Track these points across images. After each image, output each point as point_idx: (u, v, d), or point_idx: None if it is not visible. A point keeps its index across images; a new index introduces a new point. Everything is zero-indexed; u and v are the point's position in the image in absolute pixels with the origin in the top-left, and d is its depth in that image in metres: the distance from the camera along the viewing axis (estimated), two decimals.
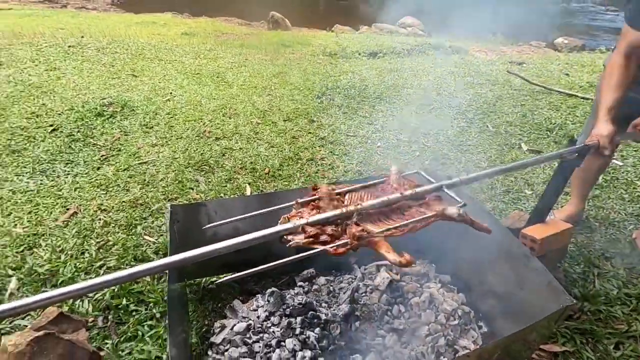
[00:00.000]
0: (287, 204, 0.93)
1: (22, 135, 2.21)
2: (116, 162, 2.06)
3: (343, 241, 0.86)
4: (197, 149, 2.22)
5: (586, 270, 1.54)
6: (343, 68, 3.78)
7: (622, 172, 2.12)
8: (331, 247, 0.84)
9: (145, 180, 1.94)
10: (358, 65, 4.02)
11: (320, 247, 0.83)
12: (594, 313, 1.35)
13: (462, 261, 1.40)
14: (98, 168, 2.02)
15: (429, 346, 1.19)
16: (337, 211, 0.90)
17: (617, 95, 1.26)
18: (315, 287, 1.41)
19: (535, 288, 1.08)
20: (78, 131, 2.29)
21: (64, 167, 2.00)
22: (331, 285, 1.42)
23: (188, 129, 2.43)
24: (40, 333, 1.05)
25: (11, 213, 1.68)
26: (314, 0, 15.75)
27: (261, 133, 2.44)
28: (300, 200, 0.95)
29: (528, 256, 1.14)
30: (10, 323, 1.25)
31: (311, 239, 0.84)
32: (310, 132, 2.47)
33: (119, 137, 2.29)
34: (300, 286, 1.40)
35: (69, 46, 3.82)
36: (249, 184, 1.95)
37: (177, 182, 1.94)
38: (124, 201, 1.79)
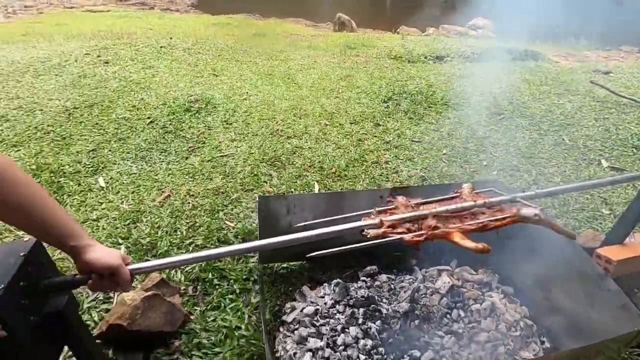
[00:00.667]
0: (367, 211, 1.03)
1: (126, 125, 2.57)
2: (201, 154, 2.32)
3: (417, 232, 0.93)
4: (270, 146, 2.41)
5: None
6: (410, 73, 3.80)
7: None
8: (408, 236, 0.91)
9: (225, 171, 2.17)
10: (425, 70, 4.00)
11: (398, 235, 0.91)
12: None
13: (528, 274, 1.40)
14: (186, 158, 2.29)
15: (488, 352, 1.22)
16: (411, 213, 0.98)
17: None
18: (377, 283, 1.50)
19: (607, 309, 1.07)
20: (170, 124, 2.61)
21: (159, 155, 2.30)
22: (392, 283, 1.50)
23: (262, 127, 2.64)
24: (150, 293, 1.27)
25: (119, 191, 1.99)
26: (380, 1, 15.67)
27: (329, 134, 2.57)
28: (378, 209, 1.04)
29: (602, 276, 1.13)
30: None
31: (389, 229, 0.92)
32: (375, 136, 2.56)
33: (204, 132, 2.56)
34: (363, 281, 1.50)
35: (161, 47, 4.28)
36: (317, 181, 2.09)
37: (252, 175, 2.14)
38: (208, 189, 2.02)
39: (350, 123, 2.73)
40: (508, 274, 1.47)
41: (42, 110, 2.68)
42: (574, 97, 3.12)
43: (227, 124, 2.68)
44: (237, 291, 1.46)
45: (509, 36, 9.53)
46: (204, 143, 2.44)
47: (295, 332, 1.29)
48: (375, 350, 1.24)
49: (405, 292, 1.45)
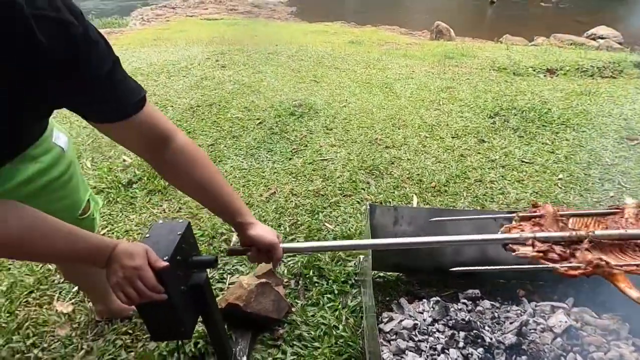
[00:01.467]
0: (506, 214, 0.99)
1: (239, 124, 2.85)
2: (303, 156, 2.46)
3: (577, 264, 0.84)
4: (368, 154, 2.45)
5: None
6: (519, 87, 3.52)
7: None
8: (562, 267, 0.83)
9: (325, 174, 2.27)
10: (537, 84, 3.67)
11: (551, 265, 0.84)
12: None
13: None
14: (290, 159, 2.45)
15: None
16: (567, 233, 0.89)
17: None
18: (479, 308, 1.43)
19: None
20: (276, 126, 2.81)
21: (266, 154, 2.50)
22: (496, 312, 1.42)
23: (361, 135, 2.70)
24: (263, 280, 1.40)
25: (232, 184, 2.21)
26: (481, 8, 14.78)
27: (428, 147, 2.52)
28: (521, 214, 0.99)
29: None
30: (232, 267, 1.68)
31: (540, 254, 0.85)
32: (479, 153, 2.43)
33: (306, 135, 2.71)
34: (464, 303, 1.45)
35: (268, 53, 4.64)
36: (416, 194, 2.07)
37: (351, 181, 2.21)
38: (309, 190, 2.14)
39: (452, 137, 2.64)
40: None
41: (172, 106, 3.12)
42: None
43: (327, 129, 2.79)
44: (336, 292, 1.52)
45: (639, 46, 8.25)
46: (306, 146, 2.58)
47: (392, 342, 1.30)
48: None
49: (511, 323, 1.36)
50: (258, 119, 2.92)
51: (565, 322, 1.30)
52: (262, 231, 0.89)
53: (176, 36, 7.49)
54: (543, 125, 2.71)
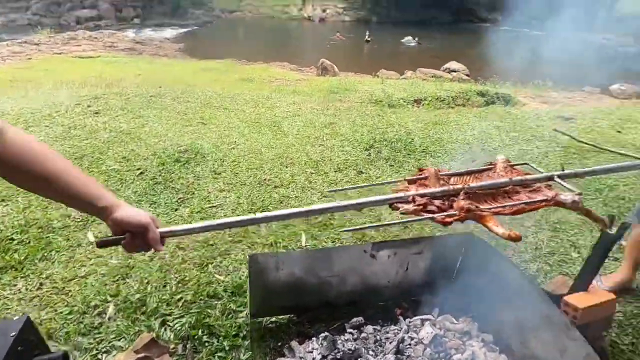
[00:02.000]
0: (394, 180, 1.05)
1: (116, 177, 2.63)
2: (191, 205, 2.39)
3: (451, 212, 0.92)
4: (258, 196, 2.50)
5: (635, 341, 1.54)
6: (390, 120, 4.02)
7: None
8: (439, 216, 0.91)
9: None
10: (404, 116, 4.24)
11: (429, 215, 0.91)
12: None
13: (505, 322, 1.48)
14: (176, 209, 2.35)
15: None
16: (445, 187, 0.97)
17: None
18: (363, 334, 1.55)
19: (574, 358, 1.15)
20: (160, 175, 2.68)
21: (149, 207, 2.35)
22: (378, 334, 1.55)
23: (250, 177, 2.74)
24: (141, 355, 1.30)
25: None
26: (359, 46, 16.59)
27: (314, 182, 2.69)
28: (408, 178, 1.05)
29: (568, 325, 1.22)
30: (109, 343, 1.51)
31: (420, 207, 0.92)
32: (358, 183, 2.69)
33: (193, 182, 2.64)
34: (350, 333, 1.55)
35: (151, 96, 4.43)
36: (304, 231, 2.17)
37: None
38: (197, 241, 2.07)
39: (335, 171, 2.86)
40: (486, 321, 1.54)
41: None
42: (540, 142, 3.37)
43: (215, 173, 2.77)
44: (227, 348, 1.48)
45: (482, 78, 10.20)
46: (193, 194, 2.51)
47: None
48: None
49: (390, 343, 1.50)
50: (139, 169, 2.75)
51: (432, 332, 1.49)
52: (132, 212, 0.83)
53: (39, 77, 6.65)
54: (408, 154, 3.14)
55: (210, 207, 2.37)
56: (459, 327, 1.54)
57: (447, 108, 5.73)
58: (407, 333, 1.53)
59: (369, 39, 16.73)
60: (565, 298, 1.42)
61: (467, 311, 1.61)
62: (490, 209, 0.95)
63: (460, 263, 1.62)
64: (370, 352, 1.46)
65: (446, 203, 0.97)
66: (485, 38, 17.26)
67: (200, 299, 1.70)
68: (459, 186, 0.99)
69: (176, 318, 1.61)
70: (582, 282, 1.47)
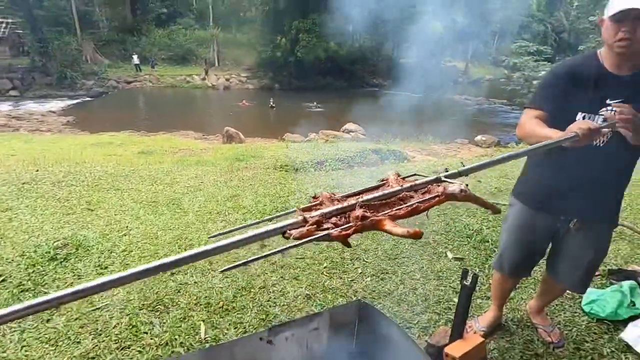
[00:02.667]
0: (288, 211, 0.95)
1: None
2: (67, 312, 2.08)
3: (344, 226, 0.86)
4: (152, 288, 2.31)
5: None
6: (291, 187, 4.20)
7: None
8: (335, 231, 0.83)
9: (97, 329, 1.97)
10: (305, 182, 4.48)
11: (324, 232, 0.83)
12: None
13: None
14: (48, 320, 2.02)
15: None
16: (339, 205, 0.91)
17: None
18: None
19: None
20: (29, 279, 2.31)
21: (11, 323, 1.98)
22: None
23: None
24: None
25: None
26: (264, 112, 17.40)
27: (215, 264, 2.60)
28: (302, 207, 0.92)
29: None
30: None
31: (314, 227, 0.83)
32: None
33: (72, 283, 2.33)
34: None
35: (23, 183, 3.93)
36: (203, 321, 2.04)
37: (130, 327, 1.99)
38: (74, 356, 1.79)
39: (237, 248, 2.82)
40: None
41: None
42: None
43: (101, 268, 2.50)
44: None
45: (376, 137, 11.42)
46: None
47: None
48: None
49: None
50: (0, 275, 2.34)
51: None
52: None
53: None
54: None
55: (92, 310, 2.10)
56: None
57: (346, 168, 6.22)
58: None
59: (273, 104, 17.71)
60: (446, 349, 1.58)
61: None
62: (385, 213, 0.91)
63: (356, 333, 1.69)
64: None
65: (342, 220, 0.89)
66: (375, 101, 19.67)
67: None
68: (353, 201, 0.92)
69: None
70: (456, 331, 1.66)
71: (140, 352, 1.84)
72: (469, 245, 2.89)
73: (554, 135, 1.31)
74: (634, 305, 2.10)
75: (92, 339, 1.90)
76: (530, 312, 2.12)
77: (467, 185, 0.98)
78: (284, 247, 0.81)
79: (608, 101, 1.42)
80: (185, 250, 2.69)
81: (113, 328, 1.98)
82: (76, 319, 2.04)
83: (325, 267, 2.59)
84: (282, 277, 2.46)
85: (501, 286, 1.99)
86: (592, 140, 1.29)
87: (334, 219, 0.87)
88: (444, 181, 1.01)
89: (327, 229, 0.85)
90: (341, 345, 1.66)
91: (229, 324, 2.03)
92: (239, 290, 2.32)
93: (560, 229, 1.69)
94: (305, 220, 0.84)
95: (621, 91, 1.40)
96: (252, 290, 2.32)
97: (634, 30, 1.28)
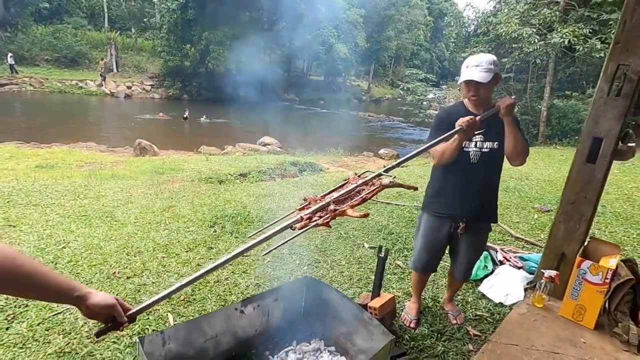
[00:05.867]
0: (290, 212, 1.51)
1: None
2: (27, 318, 2.17)
3: (325, 217, 1.40)
4: (110, 290, 2.49)
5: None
6: (225, 197, 4.53)
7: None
8: (320, 220, 1.37)
9: (65, 329, 2.12)
10: (236, 192, 4.84)
11: (314, 223, 1.36)
12: (417, 347, 2.22)
13: (340, 333, 2.13)
14: (7, 328, 2.09)
15: None
16: (319, 204, 1.45)
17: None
18: None
19: (377, 337, 1.88)
20: None
21: None
22: None
23: (96, 273, 2.67)
24: None
25: None
26: (176, 124, 16.76)
27: (168, 266, 2.86)
28: (299, 207, 1.49)
29: (371, 319, 1.96)
30: None
31: (308, 221, 1.37)
32: (211, 258, 3.02)
33: None
34: None
35: None
36: (169, 312, 2.34)
37: (99, 324, 2.18)
38: (49, 353, 1.94)
39: (186, 251, 3.11)
40: (329, 337, 2.16)
41: None
42: None
43: None
44: None
45: (292, 149, 12.10)
46: (27, 306, 2.27)
47: None
48: None
49: None
50: None
51: (294, 357, 1.99)
52: (100, 297, 1.02)
53: None
54: (248, 225, 3.71)
55: (54, 314, 2.22)
56: (312, 347, 2.09)
57: (269, 180, 6.69)
58: None
59: (186, 116, 17.17)
60: (369, 304, 2.21)
61: (317, 334, 2.19)
62: (347, 204, 1.48)
63: (305, 299, 2.22)
64: None
65: (324, 212, 1.44)
66: (288, 115, 20.50)
67: None
68: (327, 200, 1.48)
69: None
70: (375, 291, 2.31)
71: (115, 342, 2.07)
72: (380, 237, 3.66)
73: (451, 144, 1.94)
74: (487, 267, 3.05)
75: (62, 338, 2.05)
76: (444, 302, 2.63)
77: (394, 177, 1.66)
78: (299, 232, 1.36)
79: (476, 134, 2.05)
80: (135, 256, 2.90)
81: (81, 327, 2.15)
82: (39, 324, 2.14)
83: (268, 262, 3.06)
84: (232, 272, 2.86)
85: (418, 282, 2.48)
86: (474, 130, 1.90)
87: (318, 214, 1.44)
88: (383, 174, 1.56)
89: (315, 220, 1.42)
90: (294, 309, 2.17)
91: (194, 312, 2.37)
92: (196, 286, 2.64)
93: (453, 232, 2.20)
94: (301, 218, 1.43)
95: (481, 123, 1.97)
96: (208, 284, 2.67)
97: (477, 90, 2.09)
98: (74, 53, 24.52)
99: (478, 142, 2.10)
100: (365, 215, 1.45)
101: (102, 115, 18.23)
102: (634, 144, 2.48)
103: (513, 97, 2.06)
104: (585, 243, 2.57)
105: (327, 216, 1.41)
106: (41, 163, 7.34)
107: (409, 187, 1.62)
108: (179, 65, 24.06)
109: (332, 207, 1.45)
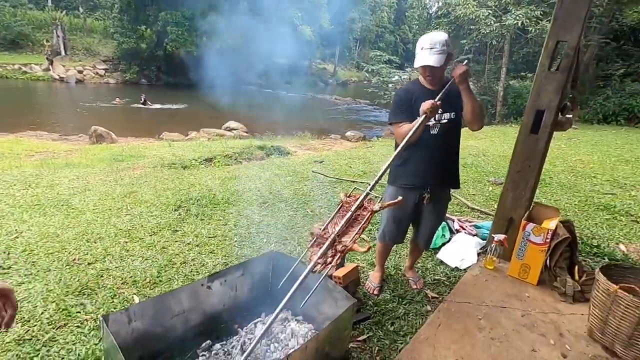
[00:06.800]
0: (305, 252, 1.68)
1: None
2: None
3: (336, 258, 1.53)
4: (71, 277, 2.42)
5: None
6: (189, 180, 4.45)
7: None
8: (332, 265, 1.52)
9: (23, 317, 2.06)
10: (201, 176, 4.77)
11: (329, 267, 1.52)
12: (380, 311, 2.36)
13: (307, 303, 2.21)
14: None
15: None
16: (327, 243, 1.57)
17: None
18: (213, 352, 1.94)
19: (341, 302, 1.98)
20: None
21: None
22: (225, 347, 1.98)
23: (54, 261, 2.58)
24: None
25: None
26: (133, 111, 15.97)
27: (132, 250, 2.81)
28: (310, 246, 1.64)
29: (336, 287, 2.05)
30: None
31: (324, 265, 1.53)
32: (176, 241, 3.00)
33: None
34: (203, 355, 1.91)
35: None
36: (135, 294, 2.32)
37: (60, 310, 2.13)
38: (7, 342, 1.89)
39: (150, 235, 3.06)
40: (297, 307, 2.24)
41: None
42: (307, 181, 4.62)
43: (3, 269, 2.45)
44: None
45: (259, 134, 11.96)
46: None
47: None
48: None
49: (235, 349, 1.96)
50: None
51: (262, 329, 2.05)
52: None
53: None
54: (214, 207, 3.68)
55: None
56: (279, 318, 2.17)
57: (235, 164, 6.62)
58: (246, 337, 2.03)
59: (144, 100, 16.40)
60: (334, 273, 2.31)
61: (285, 306, 2.26)
62: (350, 240, 1.60)
63: (272, 273, 2.28)
64: None
65: (333, 250, 1.60)
66: (254, 99, 20.09)
67: None
68: (330, 238, 1.60)
69: None
70: (340, 263, 2.41)
71: (78, 326, 2.04)
72: None
73: (413, 124, 2.00)
74: (444, 236, 3.25)
75: (21, 326, 1.99)
76: (405, 270, 2.77)
77: (380, 198, 1.74)
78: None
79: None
80: (96, 242, 2.82)
81: (41, 314, 2.09)
82: None
83: (235, 242, 3.08)
84: (199, 252, 2.86)
85: (382, 252, 2.59)
86: (436, 111, 2.01)
87: (330, 253, 1.59)
88: (369, 194, 1.71)
89: (330, 262, 1.59)
90: (261, 283, 2.23)
91: (159, 292, 2.36)
92: (162, 267, 2.63)
93: (418, 202, 2.31)
94: (316, 264, 1.59)
95: (434, 96, 2.07)
96: (175, 266, 2.66)
97: (432, 72, 2.16)
98: (14, 35, 22.54)
99: (437, 115, 2.19)
100: (369, 249, 1.61)
101: (52, 102, 17.01)
102: (571, 116, 2.70)
103: (464, 62, 2.14)
104: (530, 208, 2.79)
105: (338, 256, 1.57)
106: None
107: (395, 204, 1.74)
108: (135, 48, 22.73)
109: (338, 247, 1.59)
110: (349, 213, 1.65)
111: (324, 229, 1.67)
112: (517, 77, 15.13)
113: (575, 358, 1.93)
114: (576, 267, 2.55)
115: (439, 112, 2.18)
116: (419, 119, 2.01)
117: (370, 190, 1.72)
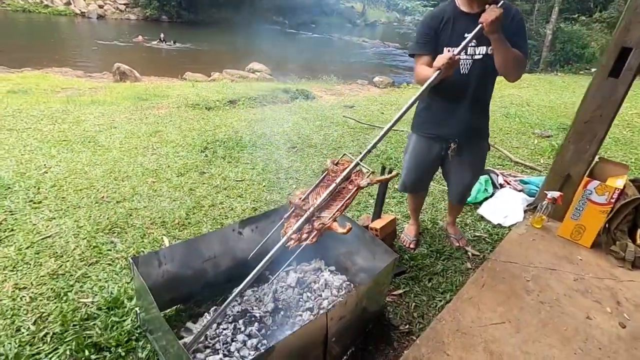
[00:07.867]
0: (281, 222, 1.49)
1: None
2: (14, 242, 2.08)
3: (312, 235, 1.37)
4: (100, 215, 2.38)
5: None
6: (215, 121, 4.28)
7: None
8: (308, 241, 1.36)
9: (56, 252, 2.04)
10: (226, 117, 4.58)
11: (305, 242, 1.35)
12: (417, 266, 2.23)
13: (340, 254, 2.10)
14: None
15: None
16: (303, 218, 1.39)
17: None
18: (245, 298, 1.89)
19: (380, 256, 1.84)
20: None
21: None
22: (256, 294, 1.92)
23: (83, 198, 2.54)
24: None
25: None
26: (154, 50, 15.54)
27: (159, 190, 2.73)
28: (285, 216, 1.46)
29: (374, 239, 1.91)
30: None
31: (298, 240, 1.36)
32: (204, 183, 2.90)
33: (6, 218, 2.25)
34: (235, 300, 1.85)
35: None
36: (164, 235, 2.27)
37: (92, 247, 2.11)
38: (42, 275, 1.88)
39: (177, 176, 2.97)
40: (330, 257, 2.14)
41: None
42: (337, 127, 4.36)
43: (34, 203, 2.43)
44: (123, 354, 1.54)
45: (283, 76, 11.48)
46: (13, 230, 2.17)
47: (194, 359, 1.53)
48: (260, 343, 1.63)
49: (267, 296, 1.90)
50: None
51: (295, 276, 1.97)
52: None
53: None
54: (241, 149, 3.53)
55: (43, 238, 2.13)
56: (312, 267, 2.08)
57: (260, 106, 6.37)
58: (278, 284, 1.96)
59: (164, 39, 15.89)
60: (370, 225, 2.16)
61: (316, 255, 2.17)
62: (330, 217, 1.40)
63: None
64: (255, 308, 1.82)
65: (310, 225, 1.40)
66: (277, 40, 19.13)
67: (73, 326, 1.63)
68: (309, 212, 1.41)
69: (48, 353, 1.52)
70: (377, 214, 2.25)
71: (110, 264, 2.01)
72: (378, 162, 3.55)
73: (429, 77, 1.60)
74: (487, 190, 3.01)
75: (54, 261, 1.98)
76: (446, 225, 2.56)
77: (373, 171, 1.47)
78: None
79: (465, 35, 1.67)
80: (123, 181, 2.75)
81: (73, 250, 2.07)
82: (27, 247, 2.06)
83: (264, 186, 2.95)
84: (227, 196, 2.76)
85: (413, 203, 2.41)
86: (454, 67, 1.59)
87: (306, 229, 1.38)
88: (360, 164, 1.48)
89: (305, 238, 1.38)
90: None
91: (189, 236, 2.30)
92: (190, 209, 2.55)
93: (444, 154, 2.04)
94: (289, 238, 1.39)
95: (474, 25, 1.62)
96: (203, 208, 2.58)
97: None
98: None
99: (469, 48, 1.75)
100: (349, 232, 1.36)
101: (75, 38, 16.74)
102: None
103: (500, 4, 1.61)
104: (593, 164, 2.49)
105: (314, 234, 1.36)
106: (13, 88, 6.81)
107: (390, 179, 1.56)
108: None
109: (316, 224, 1.38)
110: (333, 184, 1.43)
111: (304, 199, 1.45)
112: (570, 19, 13.53)
113: (635, 329, 1.77)
114: (639, 231, 2.30)
115: (473, 43, 1.74)
116: (432, 75, 1.60)
117: (361, 160, 1.48)
